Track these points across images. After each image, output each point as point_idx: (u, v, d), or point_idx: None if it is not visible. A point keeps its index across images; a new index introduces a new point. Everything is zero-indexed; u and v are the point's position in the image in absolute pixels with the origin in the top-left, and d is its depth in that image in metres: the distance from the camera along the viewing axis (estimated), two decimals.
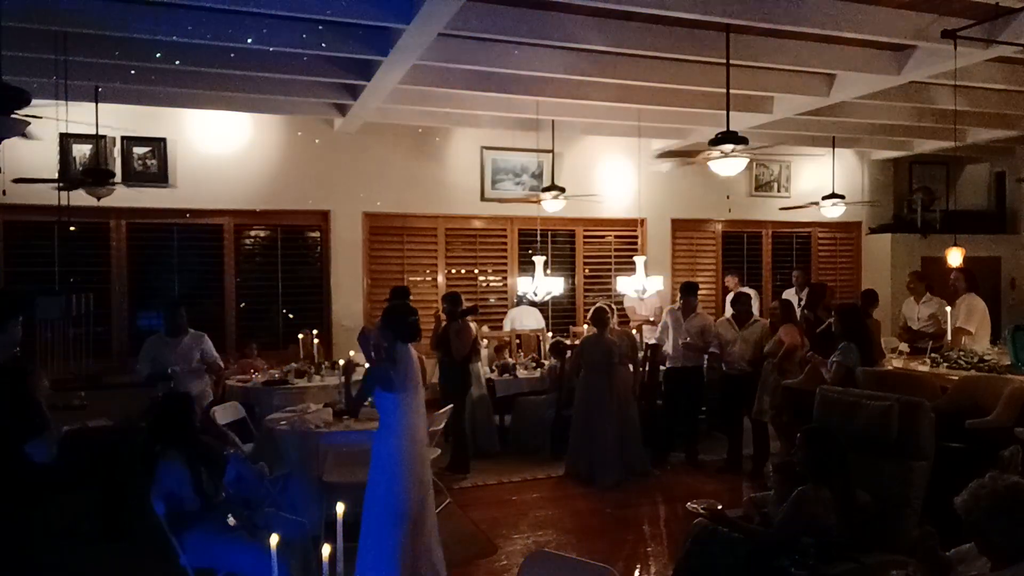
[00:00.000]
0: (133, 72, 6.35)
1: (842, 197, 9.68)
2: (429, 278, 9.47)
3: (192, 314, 8.65)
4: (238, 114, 8.31)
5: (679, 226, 10.63)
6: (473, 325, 7.40)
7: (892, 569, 3.07)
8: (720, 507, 3.89)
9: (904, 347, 7.88)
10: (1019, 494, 2.59)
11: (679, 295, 7.61)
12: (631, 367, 7.22)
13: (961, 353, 6.77)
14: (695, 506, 3.96)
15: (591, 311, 7.15)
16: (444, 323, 7.15)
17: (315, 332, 8.01)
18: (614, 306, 7.55)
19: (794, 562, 3.35)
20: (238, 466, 4.07)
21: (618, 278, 9.07)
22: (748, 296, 7.79)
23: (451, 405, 6.29)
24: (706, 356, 7.56)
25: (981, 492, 2.64)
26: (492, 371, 8.05)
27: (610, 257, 10.27)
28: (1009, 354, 6.50)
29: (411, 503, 4.20)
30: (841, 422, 4.34)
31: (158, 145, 8.24)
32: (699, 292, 7.87)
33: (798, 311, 7.85)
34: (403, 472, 4.17)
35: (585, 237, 10.19)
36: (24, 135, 5.25)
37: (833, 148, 9.94)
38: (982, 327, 7.41)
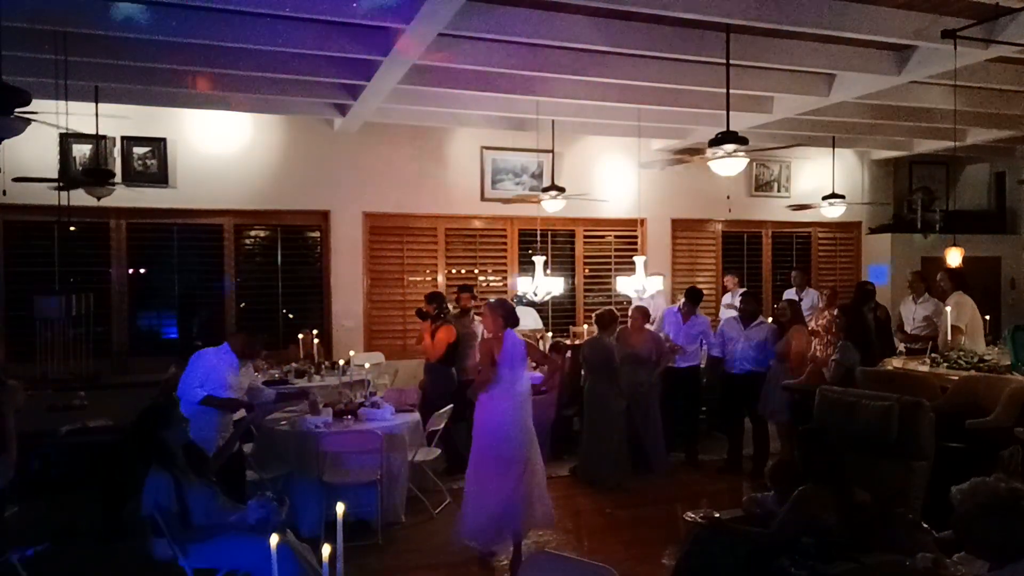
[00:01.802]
0: (133, 72, 6.35)
1: (842, 197, 9.67)
2: (429, 278, 9.47)
3: (192, 314, 8.76)
4: (238, 114, 8.31)
5: (679, 226, 10.63)
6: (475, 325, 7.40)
7: (906, 560, 3.08)
8: (717, 515, 3.90)
9: (902, 347, 7.89)
10: (1018, 501, 2.59)
11: (683, 299, 7.61)
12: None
13: (961, 353, 6.77)
14: (693, 516, 3.96)
15: (596, 313, 7.15)
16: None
17: (315, 332, 8.01)
18: (645, 308, 7.56)
19: (794, 562, 3.35)
20: (266, 508, 4.00)
21: (618, 278, 9.07)
22: (757, 296, 7.79)
23: (450, 406, 6.29)
24: (703, 357, 7.57)
25: (980, 487, 2.66)
26: None
27: (610, 257, 10.27)
28: (1009, 354, 6.50)
29: (522, 449, 5.06)
30: (841, 422, 4.34)
31: (158, 145, 8.24)
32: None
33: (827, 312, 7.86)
34: (510, 425, 5.03)
35: (585, 237, 10.19)
36: (51, 124, 5.21)
37: (833, 148, 9.94)
38: (972, 325, 7.43)
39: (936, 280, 7.83)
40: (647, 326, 7.45)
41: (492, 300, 5.51)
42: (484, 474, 5.05)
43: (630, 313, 7.38)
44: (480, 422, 5.13)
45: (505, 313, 5.24)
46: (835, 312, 6.85)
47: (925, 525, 3.40)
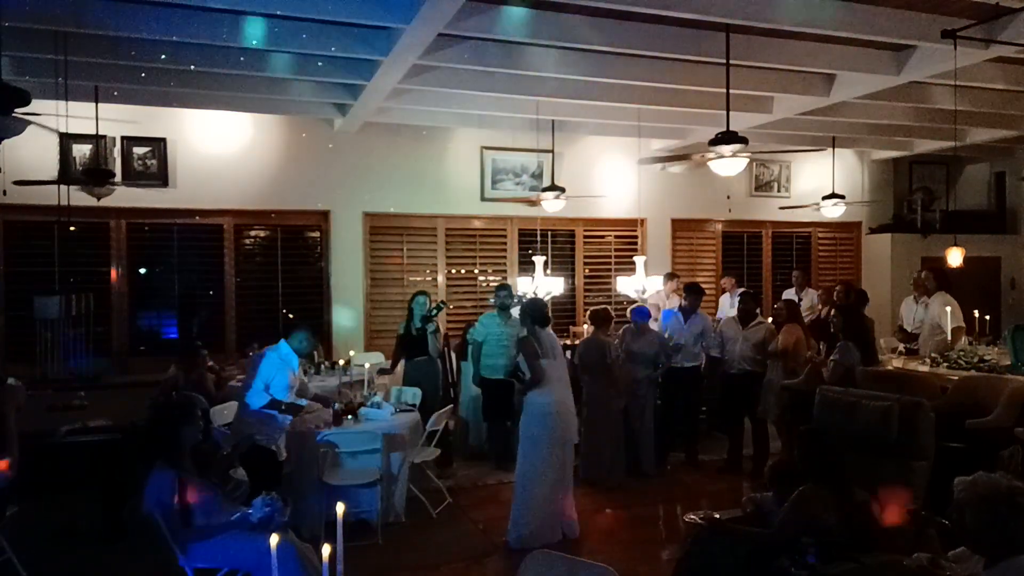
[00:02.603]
0: (133, 72, 6.35)
1: (842, 197, 9.67)
2: (429, 278, 9.47)
3: (192, 314, 8.76)
4: (238, 114, 8.31)
5: (679, 226, 10.63)
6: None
7: (903, 560, 3.08)
8: (717, 515, 3.90)
9: (902, 347, 7.90)
10: (1015, 498, 2.60)
11: (684, 296, 7.61)
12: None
13: (961, 353, 6.78)
14: (693, 518, 3.96)
15: (592, 311, 7.15)
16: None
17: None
18: (647, 308, 7.55)
19: (794, 562, 3.35)
20: (271, 507, 4.00)
21: (618, 278, 9.06)
22: (756, 296, 7.79)
23: (450, 406, 6.31)
24: (704, 356, 7.57)
25: (982, 479, 2.69)
26: None
27: (610, 257, 10.27)
28: (1009, 354, 6.51)
29: (569, 433, 5.50)
30: (841, 422, 4.34)
31: (158, 145, 8.24)
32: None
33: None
34: (552, 420, 5.37)
35: (585, 237, 10.19)
36: (49, 129, 5.21)
37: (833, 148, 9.94)
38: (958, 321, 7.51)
39: (920, 279, 7.90)
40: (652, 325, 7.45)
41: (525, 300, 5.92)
42: (542, 466, 5.35)
43: (630, 316, 7.36)
44: (531, 415, 5.41)
45: (534, 313, 5.59)
46: (831, 312, 6.88)
47: (945, 521, 3.39)
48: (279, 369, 5.20)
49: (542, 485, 5.34)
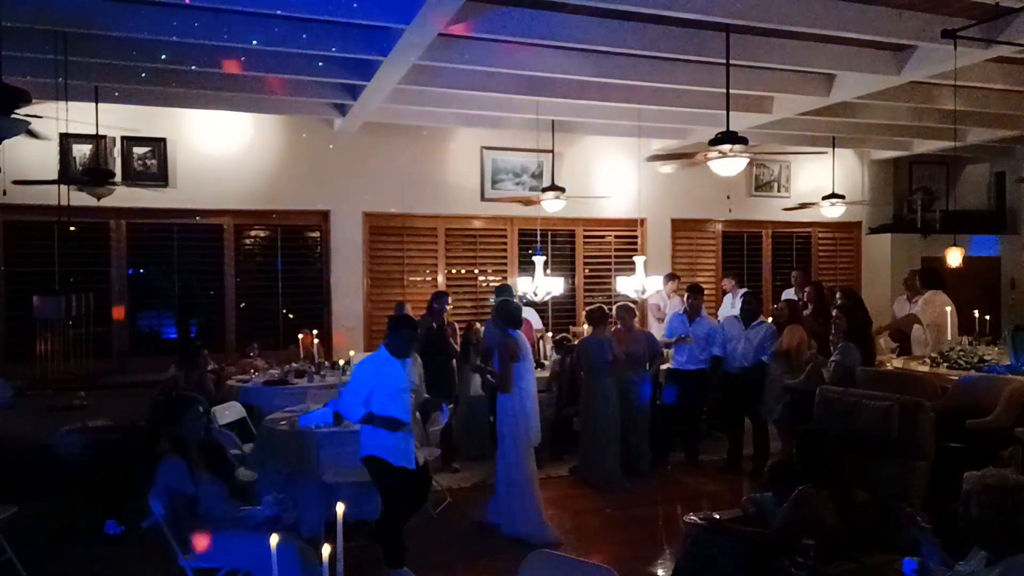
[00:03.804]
0: (133, 72, 6.34)
1: (842, 197, 9.67)
2: (429, 278, 9.47)
3: (192, 314, 8.76)
4: (238, 114, 8.30)
5: (679, 226, 10.63)
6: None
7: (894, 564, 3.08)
8: (717, 515, 3.90)
9: (895, 345, 7.92)
10: (1022, 492, 2.60)
11: (687, 298, 7.60)
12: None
13: (961, 353, 6.79)
14: (693, 518, 3.97)
15: (587, 310, 7.15)
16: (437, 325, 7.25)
17: (315, 332, 8.01)
18: (632, 306, 7.56)
19: (794, 562, 3.35)
20: (280, 505, 4.03)
21: (618, 278, 9.06)
22: (758, 296, 7.79)
23: (452, 406, 6.31)
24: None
25: (991, 472, 2.70)
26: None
27: (610, 257, 10.27)
28: (1009, 354, 6.51)
29: (529, 440, 5.66)
30: (841, 422, 4.34)
31: (158, 145, 8.24)
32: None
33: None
34: (520, 421, 5.56)
35: (585, 237, 10.19)
36: (35, 135, 5.22)
37: (833, 148, 9.94)
38: (938, 321, 7.51)
39: (909, 280, 7.93)
40: (639, 324, 7.46)
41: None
42: (517, 464, 5.56)
43: (615, 315, 7.36)
44: (503, 416, 5.59)
45: (508, 315, 5.67)
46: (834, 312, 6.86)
47: (926, 525, 3.39)
48: (377, 379, 4.65)
49: (519, 480, 5.54)
